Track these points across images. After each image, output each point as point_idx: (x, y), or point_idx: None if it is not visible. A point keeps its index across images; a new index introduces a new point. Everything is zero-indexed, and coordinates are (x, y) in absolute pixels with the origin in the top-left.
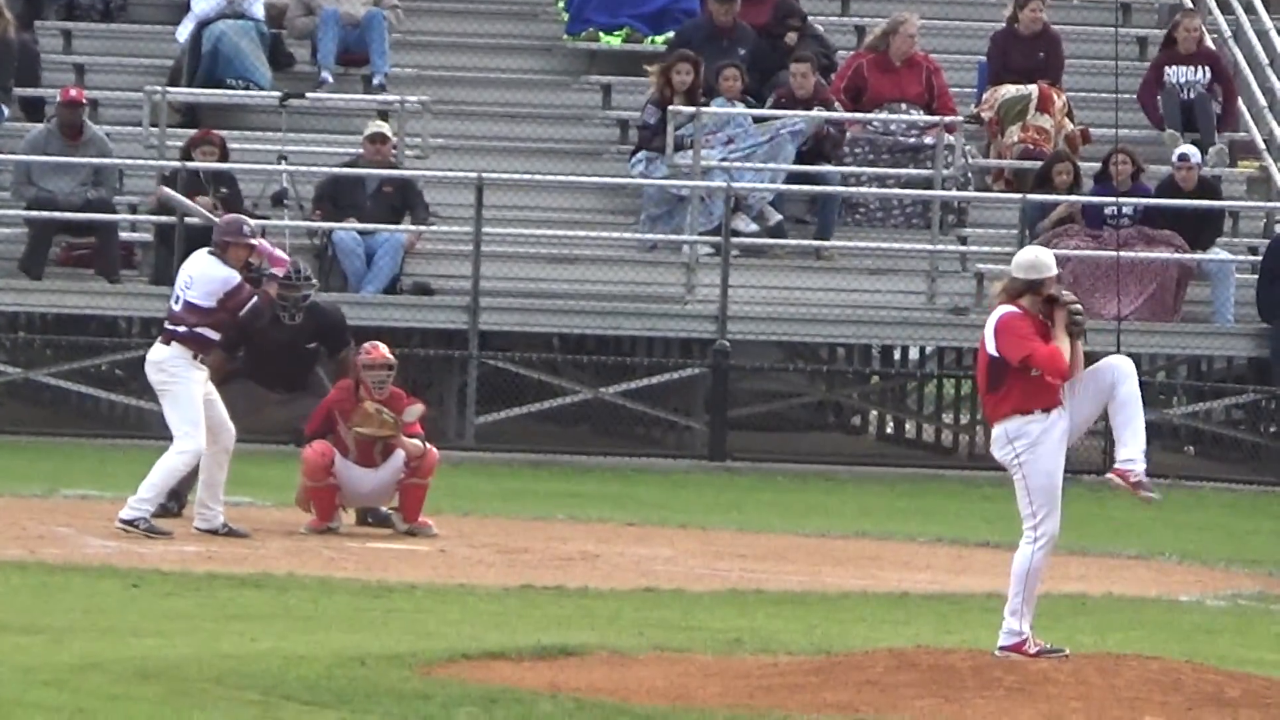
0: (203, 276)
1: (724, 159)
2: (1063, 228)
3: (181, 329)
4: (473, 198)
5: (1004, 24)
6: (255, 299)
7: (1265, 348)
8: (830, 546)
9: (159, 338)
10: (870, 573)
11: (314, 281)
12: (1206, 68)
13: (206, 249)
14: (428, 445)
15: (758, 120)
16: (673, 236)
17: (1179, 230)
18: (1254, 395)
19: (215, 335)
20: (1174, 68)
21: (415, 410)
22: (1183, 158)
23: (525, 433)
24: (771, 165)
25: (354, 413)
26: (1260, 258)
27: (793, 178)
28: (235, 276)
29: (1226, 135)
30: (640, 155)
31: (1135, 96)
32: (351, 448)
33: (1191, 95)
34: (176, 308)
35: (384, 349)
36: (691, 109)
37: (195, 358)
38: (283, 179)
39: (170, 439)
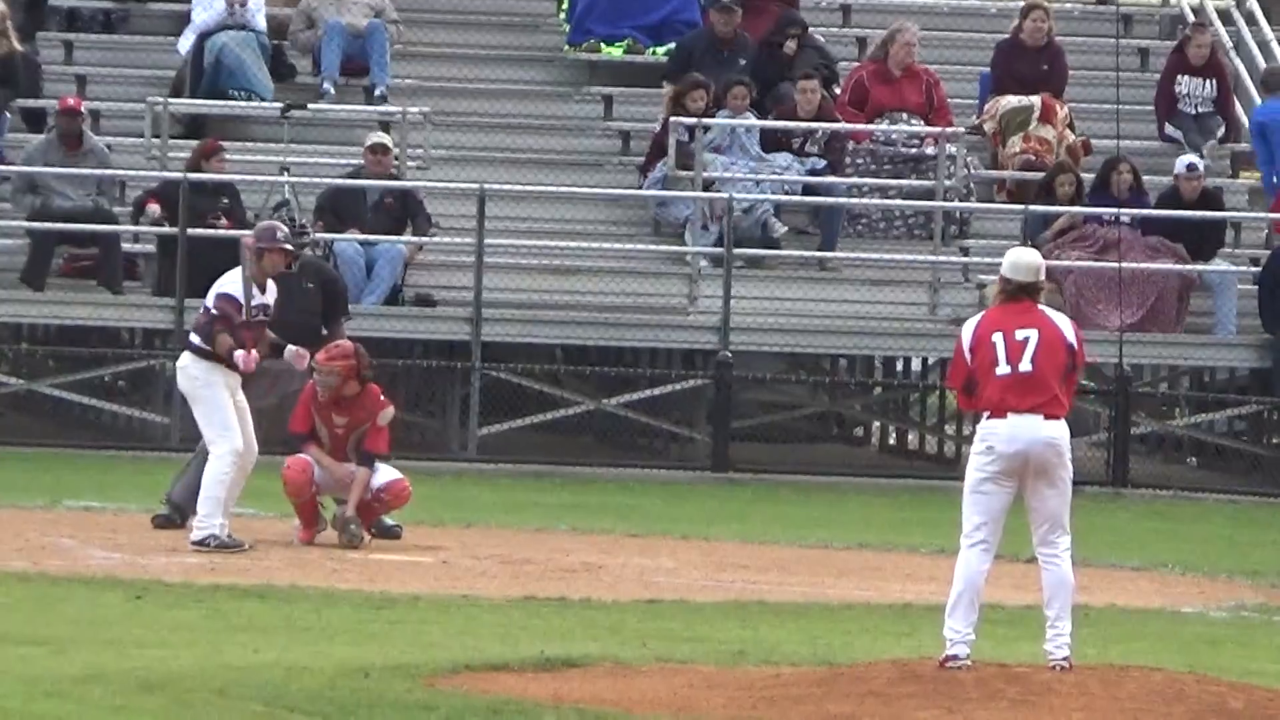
0: (221, 280)
1: (726, 169)
2: (1064, 238)
3: (191, 335)
4: (474, 209)
5: (1008, 35)
6: (216, 322)
7: (1268, 359)
8: (833, 558)
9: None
10: (873, 584)
11: (307, 232)
12: (1213, 80)
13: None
14: (400, 477)
15: (764, 141)
16: (675, 248)
17: (1181, 241)
18: (1256, 406)
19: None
20: (1184, 77)
21: (387, 414)
22: (1191, 167)
23: (528, 444)
24: (773, 178)
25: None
26: (1260, 269)
27: (795, 188)
28: (234, 290)
29: (1229, 146)
30: (662, 171)
31: (1139, 105)
32: (326, 442)
33: (1199, 109)
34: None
35: (341, 353)
36: (693, 120)
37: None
38: (284, 190)
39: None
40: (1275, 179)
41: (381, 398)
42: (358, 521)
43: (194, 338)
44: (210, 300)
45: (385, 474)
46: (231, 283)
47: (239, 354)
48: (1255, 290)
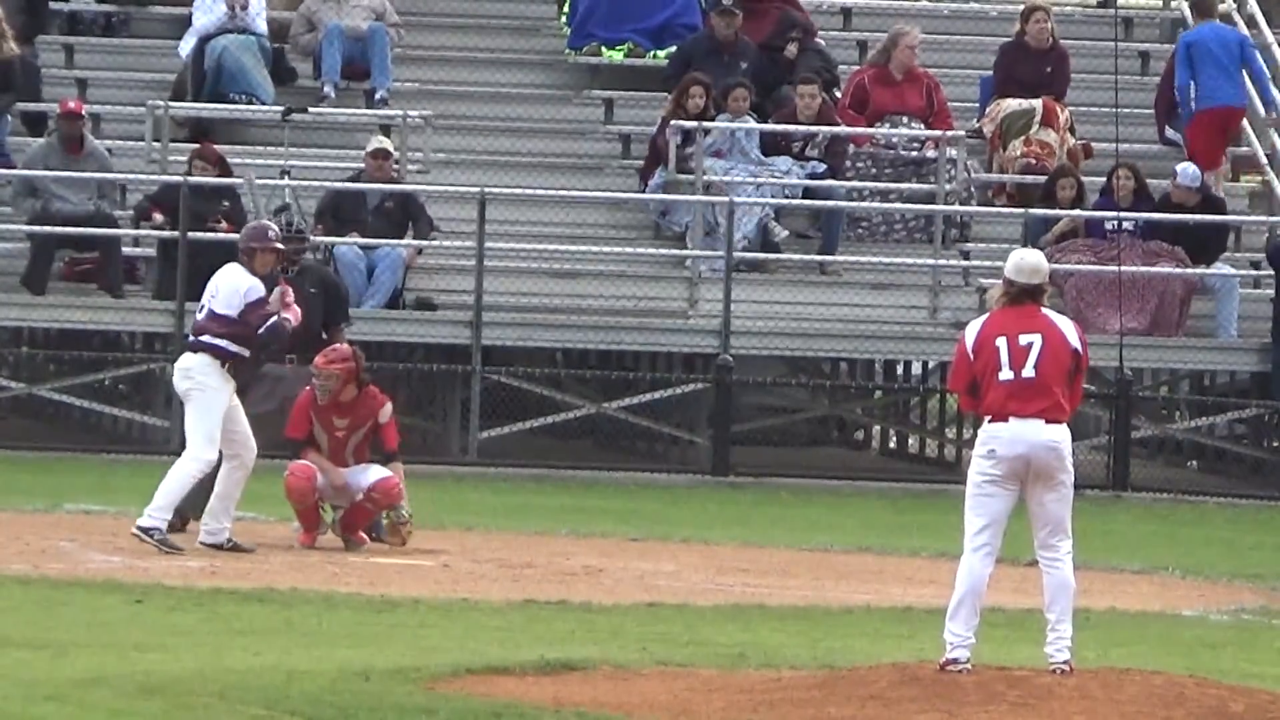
0: (226, 285)
1: (728, 172)
2: (1066, 243)
3: (205, 338)
4: (475, 212)
5: (1011, 38)
6: (276, 319)
7: (1268, 362)
8: (833, 561)
9: (188, 348)
10: (873, 587)
11: (305, 236)
12: None
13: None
14: (389, 475)
15: (764, 144)
16: (675, 251)
17: (1183, 244)
18: (1257, 410)
19: (236, 349)
20: None
21: (388, 410)
22: (1188, 176)
23: (528, 448)
24: (773, 181)
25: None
26: (1262, 273)
27: (796, 192)
28: (258, 288)
29: (1229, 150)
30: (662, 177)
31: (1139, 108)
32: (324, 447)
33: None
34: (200, 317)
35: (340, 356)
36: (693, 124)
37: (224, 366)
38: (285, 194)
39: (183, 447)
40: (1193, 104)
41: (379, 395)
42: (401, 515)
43: (215, 340)
44: (238, 310)
45: (375, 473)
46: (248, 284)
47: (287, 309)
48: (1256, 294)
